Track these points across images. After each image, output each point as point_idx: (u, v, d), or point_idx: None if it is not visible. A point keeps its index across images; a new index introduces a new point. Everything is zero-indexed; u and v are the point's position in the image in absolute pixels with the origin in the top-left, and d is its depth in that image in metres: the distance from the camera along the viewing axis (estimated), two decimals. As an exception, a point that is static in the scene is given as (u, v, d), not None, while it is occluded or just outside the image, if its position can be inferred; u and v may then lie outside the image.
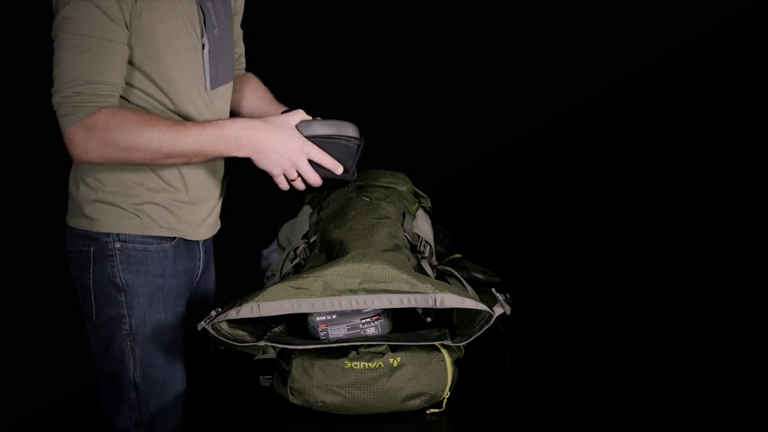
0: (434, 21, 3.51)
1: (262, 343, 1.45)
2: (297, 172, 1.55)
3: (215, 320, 1.43)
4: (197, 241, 1.75)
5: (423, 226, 1.75)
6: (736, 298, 2.78)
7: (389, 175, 1.84)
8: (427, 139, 3.39)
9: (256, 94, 1.87)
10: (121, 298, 1.65)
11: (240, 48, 1.91)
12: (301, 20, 3.34)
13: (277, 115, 1.61)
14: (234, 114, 1.82)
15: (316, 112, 1.63)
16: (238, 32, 1.87)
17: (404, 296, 1.42)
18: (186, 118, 1.61)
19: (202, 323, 1.43)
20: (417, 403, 1.42)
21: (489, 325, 1.41)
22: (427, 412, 1.44)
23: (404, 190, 1.80)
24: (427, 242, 1.69)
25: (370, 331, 1.48)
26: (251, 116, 1.79)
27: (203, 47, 1.62)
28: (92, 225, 1.64)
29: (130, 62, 1.54)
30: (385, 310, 1.49)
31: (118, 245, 1.64)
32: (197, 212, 1.70)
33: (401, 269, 1.44)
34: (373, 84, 3.42)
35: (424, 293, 1.42)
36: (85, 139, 1.47)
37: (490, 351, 1.63)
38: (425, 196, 1.86)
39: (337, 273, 1.43)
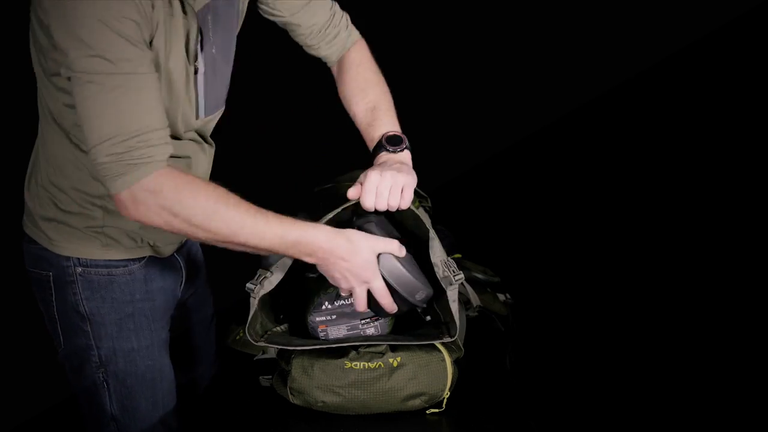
0: (434, 21, 3.51)
1: (262, 344, 1.45)
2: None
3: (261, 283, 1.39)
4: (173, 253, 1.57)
5: (423, 226, 1.74)
6: (735, 298, 2.78)
7: (389, 175, 1.82)
8: (427, 139, 3.38)
9: (362, 98, 1.58)
10: (86, 328, 1.48)
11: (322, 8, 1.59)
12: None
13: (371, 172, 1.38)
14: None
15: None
16: None
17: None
18: None
19: (249, 284, 1.39)
20: (417, 403, 1.42)
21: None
22: (427, 412, 1.44)
23: (404, 189, 1.79)
24: (427, 242, 1.69)
25: (370, 331, 1.48)
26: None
27: (196, 71, 1.37)
28: (50, 244, 1.45)
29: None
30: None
31: (79, 270, 1.45)
32: None
33: None
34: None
35: None
36: (146, 203, 1.23)
37: (490, 351, 1.63)
38: (425, 196, 1.86)
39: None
